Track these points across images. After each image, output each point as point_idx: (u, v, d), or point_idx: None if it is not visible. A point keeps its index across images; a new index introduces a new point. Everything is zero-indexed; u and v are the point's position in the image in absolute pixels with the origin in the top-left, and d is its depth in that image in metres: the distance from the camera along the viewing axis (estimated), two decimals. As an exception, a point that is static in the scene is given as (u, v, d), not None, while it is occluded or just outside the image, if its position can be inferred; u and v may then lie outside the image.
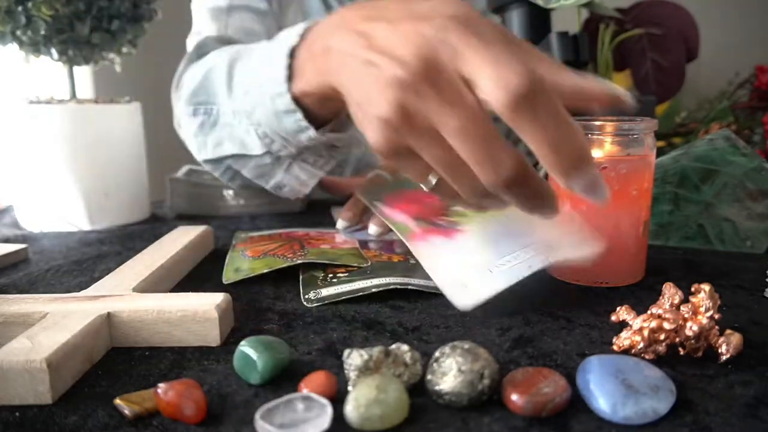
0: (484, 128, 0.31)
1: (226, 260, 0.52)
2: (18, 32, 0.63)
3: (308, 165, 0.56)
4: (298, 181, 0.57)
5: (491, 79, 0.30)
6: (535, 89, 0.29)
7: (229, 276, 0.48)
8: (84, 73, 1.27)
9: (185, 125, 0.60)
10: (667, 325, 0.32)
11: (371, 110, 0.33)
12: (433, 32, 0.31)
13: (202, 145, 0.59)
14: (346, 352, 0.30)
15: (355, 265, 0.48)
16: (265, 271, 0.47)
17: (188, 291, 0.41)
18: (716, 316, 0.33)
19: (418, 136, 0.32)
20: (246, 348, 0.32)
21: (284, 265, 0.47)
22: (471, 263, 0.40)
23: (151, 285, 0.43)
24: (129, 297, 0.39)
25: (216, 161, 0.59)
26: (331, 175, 0.72)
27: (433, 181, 0.36)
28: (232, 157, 0.57)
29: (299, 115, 0.46)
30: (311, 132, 0.47)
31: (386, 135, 0.33)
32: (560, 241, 0.42)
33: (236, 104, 0.53)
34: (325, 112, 0.47)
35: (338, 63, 0.36)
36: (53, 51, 0.66)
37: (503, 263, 0.39)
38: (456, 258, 0.41)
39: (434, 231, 0.44)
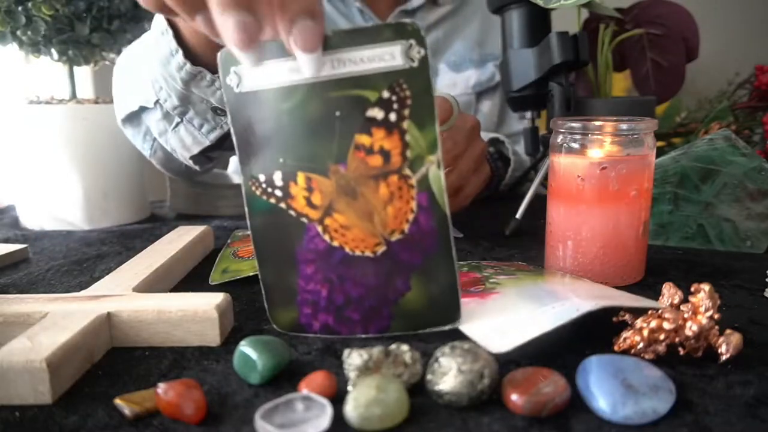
0: None
1: (217, 260, 0.51)
2: (18, 32, 0.63)
3: (194, 129, 0.58)
4: (182, 144, 0.60)
5: None
6: None
7: (215, 277, 0.47)
8: (84, 73, 1.27)
9: (113, 83, 0.64)
10: (666, 325, 0.32)
11: None
12: None
13: (119, 102, 0.62)
14: (346, 352, 0.30)
15: None
16: (251, 274, 0.46)
17: (188, 291, 0.41)
18: (716, 316, 0.33)
19: None
20: (246, 348, 0.32)
21: None
22: (509, 313, 0.36)
23: (151, 285, 0.43)
24: (129, 297, 0.39)
25: (133, 121, 0.62)
26: None
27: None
28: (141, 111, 0.60)
29: (170, 35, 0.49)
30: (180, 57, 0.50)
31: None
32: (604, 294, 0.39)
33: (144, 46, 0.57)
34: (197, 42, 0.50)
35: None
36: (53, 51, 0.66)
37: (545, 310, 0.35)
38: (492, 311, 0.37)
39: (468, 296, 0.40)
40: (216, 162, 0.67)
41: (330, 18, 0.87)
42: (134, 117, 0.61)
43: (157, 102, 0.57)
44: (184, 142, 0.59)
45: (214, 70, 0.51)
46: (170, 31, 0.50)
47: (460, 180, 0.58)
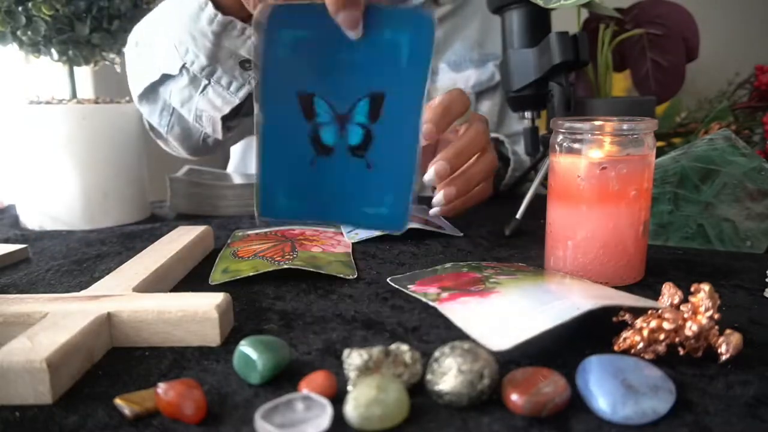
0: None
1: (217, 260, 0.51)
2: (18, 32, 0.63)
3: (222, 89, 0.59)
4: (212, 105, 0.60)
5: None
6: None
7: (215, 277, 0.48)
8: (84, 73, 1.27)
9: (127, 61, 0.65)
10: (666, 325, 0.32)
11: None
12: None
13: (138, 77, 0.63)
14: (346, 352, 0.30)
15: (341, 275, 0.47)
16: (251, 274, 0.46)
17: (188, 291, 0.41)
18: (716, 316, 0.33)
19: None
20: (246, 348, 0.32)
21: (270, 269, 0.47)
22: (509, 312, 0.36)
23: (151, 285, 0.43)
24: (129, 297, 0.39)
25: (150, 96, 0.62)
26: None
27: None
28: (160, 84, 0.60)
29: None
30: (210, 9, 0.52)
31: None
32: (605, 294, 0.38)
33: (165, 9, 0.58)
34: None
35: None
36: (53, 51, 0.66)
37: (546, 309, 0.35)
38: (492, 310, 0.37)
39: (468, 294, 0.40)
40: (233, 134, 0.68)
41: None
42: (151, 92, 0.62)
43: (182, 67, 0.57)
44: (214, 104, 0.60)
45: (242, 20, 0.53)
46: None
47: (467, 186, 0.57)
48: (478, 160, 0.58)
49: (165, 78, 0.60)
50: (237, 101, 0.60)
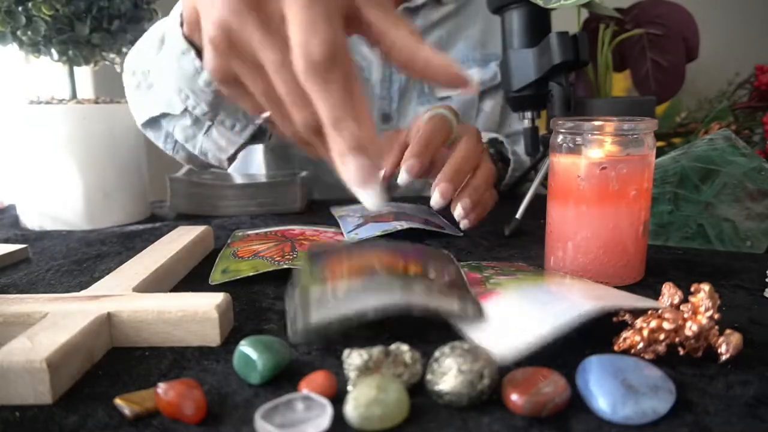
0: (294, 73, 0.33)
1: (217, 259, 0.51)
2: (18, 32, 0.63)
3: (226, 129, 0.58)
4: (216, 146, 0.59)
5: (297, 41, 0.32)
6: (332, 62, 0.32)
7: (215, 277, 0.48)
8: (84, 73, 1.27)
9: (126, 86, 0.63)
10: (666, 325, 0.32)
11: (204, 32, 0.35)
12: None
13: (138, 107, 0.62)
14: (346, 352, 0.30)
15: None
16: (251, 274, 0.46)
17: (188, 291, 0.41)
18: (716, 316, 0.33)
19: (242, 64, 0.35)
20: (246, 348, 0.32)
21: (270, 269, 0.47)
22: (510, 314, 0.36)
23: (151, 285, 0.43)
24: (129, 297, 0.39)
25: (153, 125, 0.61)
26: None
27: (265, 115, 0.38)
28: (162, 117, 0.59)
29: (192, 54, 0.49)
30: (206, 74, 0.50)
31: (215, 59, 0.36)
32: (605, 294, 0.38)
33: (162, 62, 0.55)
34: None
35: None
36: (53, 51, 0.66)
37: (547, 312, 0.35)
38: (493, 314, 0.36)
39: None
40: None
41: None
42: (154, 123, 0.61)
43: (185, 110, 0.56)
44: (219, 144, 0.59)
45: None
46: (192, 51, 0.49)
47: (477, 194, 0.57)
48: (477, 173, 0.58)
49: (167, 114, 0.59)
50: (241, 141, 0.59)
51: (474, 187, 0.57)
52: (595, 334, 0.36)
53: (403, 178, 0.54)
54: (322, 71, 0.32)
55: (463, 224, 0.57)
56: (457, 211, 0.56)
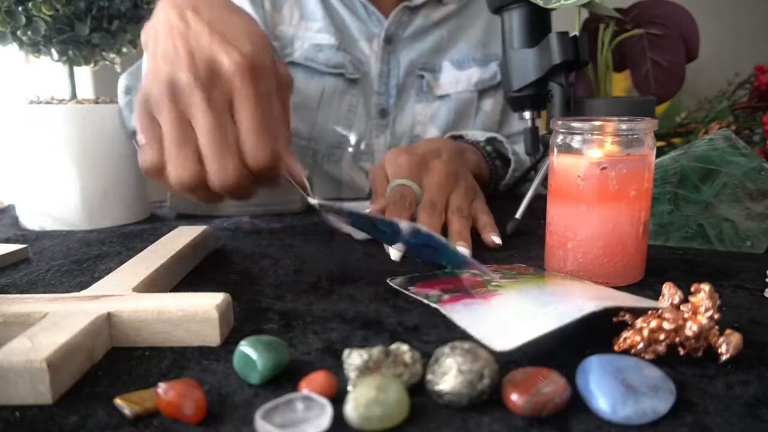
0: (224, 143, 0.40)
1: None
2: (18, 32, 0.63)
3: None
4: None
5: (250, 145, 0.40)
6: (275, 169, 0.41)
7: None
8: (84, 73, 1.27)
9: (119, 100, 0.70)
10: (666, 325, 0.32)
11: (155, 76, 0.41)
12: (227, 64, 0.40)
13: (128, 121, 0.68)
14: (346, 352, 0.30)
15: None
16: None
17: (188, 291, 0.41)
18: (716, 316, 0.33)
19: (169, 112, 0.40)
20: (246, 348, 0.32)
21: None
22: (512, 313, 0.36)
23: (151, 285, 0.43)
24: (129, 297, 0.39)
25: None
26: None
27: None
28: None
29: None
30: None
31: (148, 97, 0.41)
32: (605, 295, 0.38)
33: None
34: None
35: (158, 30, 0.44)
36: (53, 51, 0.66)
37: (548, 311, 0.35)
38: (494, 312, 0.37)
39: (470, 297, 0.40)
40: None
41: (333, 8, 0.87)
42: None
43: None
44: None
45: None
46: None
47: (459, 214, 0.57)
48: (453, 196, 0.59)
49: None
50: None
51: (453, 211, 0.57)
52: (595, 334, 0.36)
53: (395, 255, 0.53)
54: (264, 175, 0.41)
55: (494, 241, 0.56)
56: (461, 249, 0.52)
